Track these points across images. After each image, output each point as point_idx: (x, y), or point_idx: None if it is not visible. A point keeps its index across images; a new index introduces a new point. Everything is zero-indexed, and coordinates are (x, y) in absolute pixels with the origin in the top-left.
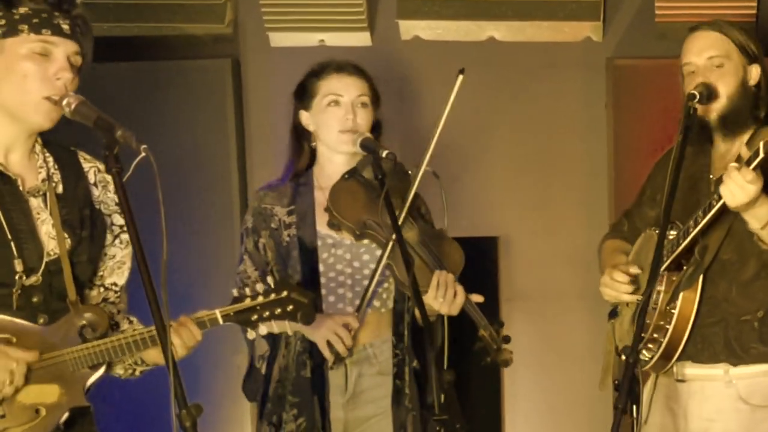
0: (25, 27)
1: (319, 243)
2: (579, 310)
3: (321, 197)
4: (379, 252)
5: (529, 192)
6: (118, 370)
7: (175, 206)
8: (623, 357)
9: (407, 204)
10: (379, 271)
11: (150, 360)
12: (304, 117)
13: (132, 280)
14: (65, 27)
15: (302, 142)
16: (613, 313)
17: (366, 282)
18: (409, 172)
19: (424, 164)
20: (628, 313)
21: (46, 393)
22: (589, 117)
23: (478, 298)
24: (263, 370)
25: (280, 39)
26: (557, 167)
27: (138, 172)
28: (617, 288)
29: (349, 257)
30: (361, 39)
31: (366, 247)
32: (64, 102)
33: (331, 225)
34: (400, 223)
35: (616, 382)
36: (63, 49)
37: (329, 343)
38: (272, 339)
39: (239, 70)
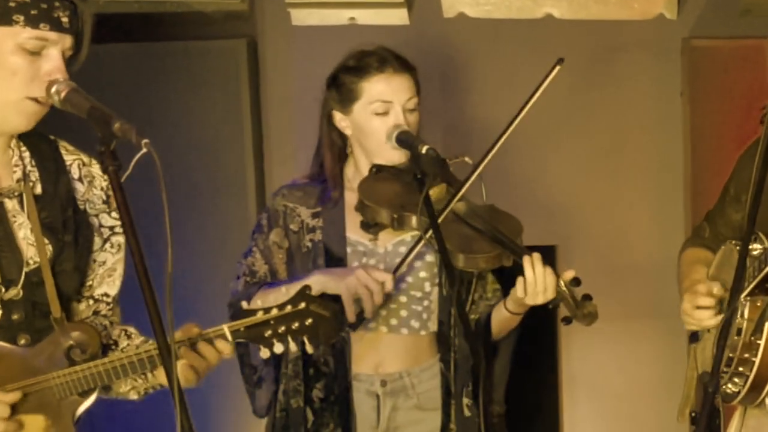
0: (21, 18)
1: (349, 250)
2: (650, 331)
3: (353, 200)
4: (418, 260)
5: (592, 194)
6: (132, 395)
7: (182, 210)
8: (710, 389)
9: (459, 194)
10: (420, 245)
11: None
12: (339, 118)
13: (131, 292)
14: (65, 20)
15: (335, 144)
16: (695, 337)
17: (403, 298)
18: (446, 159)
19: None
20: (711, 338)
21: (30, 425)
22: (662, 107)
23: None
24: (263, 399)
25: (303, 17)
26: (625, 165)
27: (139, 171)
28: (699, 316)
29: (383, 267)
30: (398, 17)
31: (403, 256)
32: (53, 90)
33: (366, 226)
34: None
35: (694, 414)
36: (60, 46)
37: (355, 299)
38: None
39: (256, 52)
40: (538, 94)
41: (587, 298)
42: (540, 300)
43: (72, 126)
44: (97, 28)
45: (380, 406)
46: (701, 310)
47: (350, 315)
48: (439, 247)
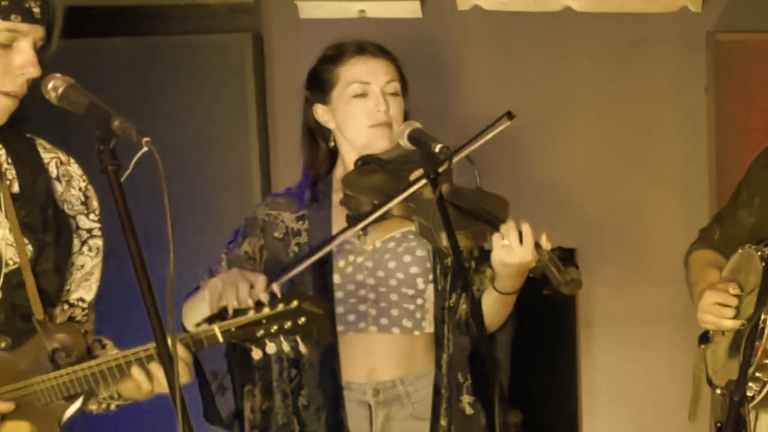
0: None
1: (334, 249)
2: (673, 338)
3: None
4: (408, 255)
5: (613, 194)
6: (91, 405)
7: (184, 210)
8: (718, 391)
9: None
10: (378, 213)
11: (127, 393)
12: (321, 112)
13: (131, 293)
14: (36, 11)
15: (319, 142)
16: (704, 338)
17: (394, 296)
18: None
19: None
20: (723, 342)
21: (15, 431)
22: (686, 103)
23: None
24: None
25: (310, 9)
26: (647, 164)
27: (139, 170)
28: (720, 313)
29: (371, 265)
30: (410, 9)
31: (392, 252)
32: (50, 85)
33: (351, 220)
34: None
35: (719, 424)
36: (31, 38)
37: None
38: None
39: (262, 46)
40: (480, 143)
41: (572, 265)
42: (517, 257)
43: (72, 124)
44: (95, 22)
45: (372, 416)
46: (723, 307)
47: (212, 309)
48: (452, 246)
